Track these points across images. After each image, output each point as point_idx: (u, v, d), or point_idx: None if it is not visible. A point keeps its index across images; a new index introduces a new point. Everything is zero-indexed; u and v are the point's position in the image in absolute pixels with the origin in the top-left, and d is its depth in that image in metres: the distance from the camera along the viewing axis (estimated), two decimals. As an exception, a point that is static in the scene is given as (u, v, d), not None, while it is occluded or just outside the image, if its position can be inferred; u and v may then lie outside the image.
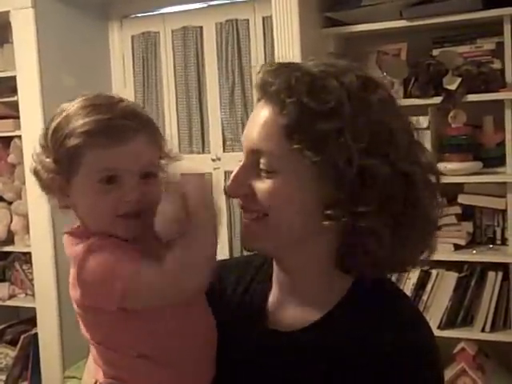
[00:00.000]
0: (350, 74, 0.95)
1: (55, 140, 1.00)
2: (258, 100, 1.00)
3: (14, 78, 3.22)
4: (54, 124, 1.01)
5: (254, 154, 0.98)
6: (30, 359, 3.36)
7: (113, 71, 3.55)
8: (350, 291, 0.99)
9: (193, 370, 1.01)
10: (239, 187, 0.99)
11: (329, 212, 0.93)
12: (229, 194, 1.00)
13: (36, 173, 1.03)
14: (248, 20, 3.21)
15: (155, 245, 1.01)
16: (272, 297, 1.06)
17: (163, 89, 3.46)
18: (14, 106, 3.27)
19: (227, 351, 1.02)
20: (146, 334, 0.98)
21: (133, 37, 3.51)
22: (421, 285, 2.61)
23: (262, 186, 0.96)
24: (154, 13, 3.46)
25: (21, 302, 3.49)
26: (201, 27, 3.34)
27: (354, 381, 0.92)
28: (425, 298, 2.60)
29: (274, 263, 1.06)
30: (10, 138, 3.42)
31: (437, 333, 2.43)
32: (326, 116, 0.91)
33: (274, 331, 1.01)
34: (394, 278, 2.60)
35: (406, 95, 2.66)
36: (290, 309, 1.03)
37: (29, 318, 3.44)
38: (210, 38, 3.32)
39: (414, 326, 0.97)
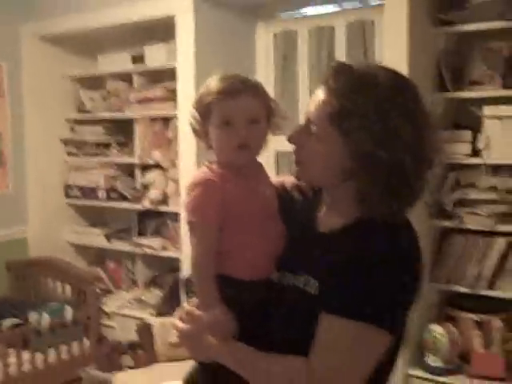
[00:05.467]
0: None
1: (200, 101, 1.46)
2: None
3: (174, 69, 3.70)
4: (200, 92, 1.48)
5: (308, 121, 1.36)
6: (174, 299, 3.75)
7: (257, 65, 3.96)
8: (358, 218, 1.35)
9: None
10: (298, 137, 1.38)
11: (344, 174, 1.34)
12: (289, 140, 1.39)
13: (191, 124, 1.50)
14: (373, 21, 3.59)
15: (255, 173, 1.52)
16: (321, 211, 1.50)
17: (299, 81, 3.85)
18: (173, 90, 3.76)
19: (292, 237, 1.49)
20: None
21: (275, 35, 3.96)
22: (504, 254, 2.81)
23: (309, 142, 1.35)
24: (295, 12, 3.85)
25: (170, 253, 3.95)
26: (332, 27, 3.74)
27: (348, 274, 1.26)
28: (509, 266, 2.79)
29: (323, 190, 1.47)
30: (169, 117, 3.90)
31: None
32: (359, 115, 1.26)
33: (319, 232, 1.46)
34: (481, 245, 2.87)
35: (505, 87, 2.94)
36: (328, 219, 1.43)
37: (176, 267, 3.86)
38: (341, 37, 3.70)
39: (392, 234, 1.29)
